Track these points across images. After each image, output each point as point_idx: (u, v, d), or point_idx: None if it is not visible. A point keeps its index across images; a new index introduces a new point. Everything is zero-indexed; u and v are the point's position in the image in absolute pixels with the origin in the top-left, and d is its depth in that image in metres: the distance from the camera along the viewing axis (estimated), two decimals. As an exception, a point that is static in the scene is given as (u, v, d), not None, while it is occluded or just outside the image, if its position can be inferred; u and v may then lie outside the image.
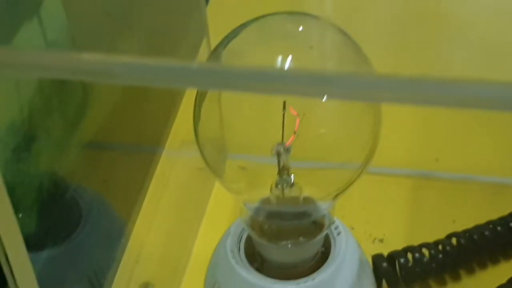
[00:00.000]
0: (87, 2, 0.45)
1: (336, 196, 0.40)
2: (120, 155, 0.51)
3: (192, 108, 0.43)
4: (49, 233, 0.44)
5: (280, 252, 0.42)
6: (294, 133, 0.38)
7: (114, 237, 0.49)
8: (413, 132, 0.59)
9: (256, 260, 0.43)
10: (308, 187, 0.40)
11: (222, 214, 0.54)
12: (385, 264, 0.48)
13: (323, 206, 0.41)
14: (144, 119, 0.52)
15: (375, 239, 0.52)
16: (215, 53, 0.40)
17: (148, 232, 0.51)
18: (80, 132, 0.45)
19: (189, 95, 0.55)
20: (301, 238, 0.42)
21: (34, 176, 0.43)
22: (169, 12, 0.55)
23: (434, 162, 0.56)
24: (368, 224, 0.53)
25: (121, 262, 0.47)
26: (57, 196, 0.45)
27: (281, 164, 0.40)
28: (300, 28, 0.40)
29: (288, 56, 0.38)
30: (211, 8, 0.64)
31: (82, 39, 0.44)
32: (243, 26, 0.39)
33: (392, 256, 0.48)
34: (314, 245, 0.42)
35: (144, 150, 0.54)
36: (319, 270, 0.42)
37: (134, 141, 0.52)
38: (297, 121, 0.38)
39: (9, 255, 0.31)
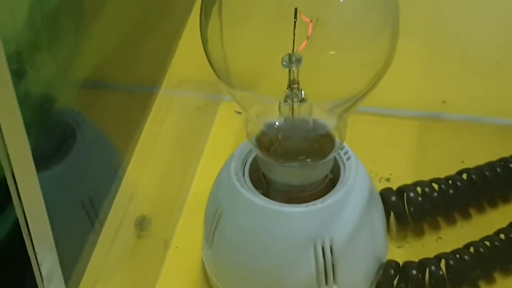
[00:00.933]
0: None
1: (348, 108, 0.38)
2: (117, 93, 0.49)
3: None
4: (40, 154, 0.42)
5: (287, 172, 0.40)
6: (307, 38, 0.36)
7: (110, 168, 0.47)
8: (420, 74, 0.57)
9: (262, 186, 0.41)
10: (317, 99, 0.38)
11: (221, 153, 0.51)
12: (394, 198, 0.46)
13: (333, 121, 0.39)
14: (142, 57, 0.51)
15: (381, 178, 0.50)
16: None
17: (145, 166, 0.49)
18: (76, 68, 0.43)
19: (188, 33, 0.54)
20: (309, 158, 0.40)
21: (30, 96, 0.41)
22: None
23: (441, 104, 0.55)
24: (374, 164, 0.51)
25: (117, 194, 0.45)
26: (51, 119, 0.43)
27: (292, 76, 0.38)
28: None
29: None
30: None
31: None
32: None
33: (401, 191, 0.46)
34: (323, 166, 0.40)
35: (142, 88, 0.52)
36: (328, 194, 0.40)
37: (131, 79, 0.50)
38: (310, 26, 0.36)
39: (16, 172, 0.29)
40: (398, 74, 0.55)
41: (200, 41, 0.39)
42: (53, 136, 0.43)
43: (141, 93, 0.51)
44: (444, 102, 0.55)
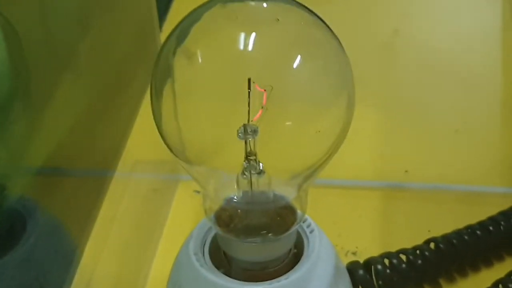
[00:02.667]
0: None
1: (308, 178, 0.37)
2: (71, 178, 0.47)
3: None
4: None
5: (249, 249, 0.38)
6: (262, 107, 0.35)
7: (64, 256, 0.45)
8: (381, 144, 0.56)
9: (224, 265, 0.39)
10: (276, 170, 0.37)
11: (180, 234, 0.50)
12: (361, 272, 0.44)
13: (293, 192, 0.38)
14: (96, 141, 0.49)
15: (347, 251, 0.49)
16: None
17: (101, 253, 0.47)
18: (27, 155, 0.42)
19: (142, 114, 0.53)
20: (271, 233, 0.38)
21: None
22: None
23: (403, 174, 0.54)
24: (339, 238, 0.49)
25: (72, 284, 0.43)
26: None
27: (249, 148, 0.36)
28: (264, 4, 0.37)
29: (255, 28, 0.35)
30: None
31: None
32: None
33: (369, 263, 0.45)
34: (285, 241, 0.39)
35: (97, 172, 0.50)
36: (292, 270, 0.38)
37: (85, 164, 0.49)
38: (265, 95, 0.35)
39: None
40: (359, 145, 0.55)
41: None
42: (1, 225, 0.41)
43: (96, 177, 0.50)
44: (406, 171, 0.54)
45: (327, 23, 0.37)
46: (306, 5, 0.37)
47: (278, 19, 0.36)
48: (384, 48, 0.63)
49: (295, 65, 0.36)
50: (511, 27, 0.62)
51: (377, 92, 0.59)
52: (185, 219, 0.52)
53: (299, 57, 0.36)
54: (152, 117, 0.39)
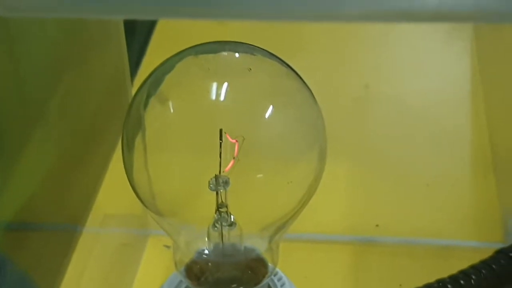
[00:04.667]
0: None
1: (278, 230, 0.37)
2: (40, 232, 0.47)
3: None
4: None
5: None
6: (234, 158, 0.35)
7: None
8: (352, 198, 0.56)
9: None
10: (247, 222, 0.37)
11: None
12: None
13: (264, 244, 0.37)
14: (66, 195, 0.49)
15: (319, 306, 0.48)
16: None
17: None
18: None
19: (113, 168, 0.52)
20: (242, 286, 0.38)
21: None
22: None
23: (374, 228, 0.54)
24: (310, 293, 0.49)
25: None
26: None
27: (220, 200, 0.36)
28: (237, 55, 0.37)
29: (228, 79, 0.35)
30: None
31: None
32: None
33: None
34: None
35: (66, 227, 0.50)
36: (264, 324, 0.38)
37: (55, 218, 0.48)
38: (236, 146, 0.35)
39: None
40: (330, 199, 0.55)
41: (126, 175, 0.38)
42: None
43: (65, 232, 0.49)
44: (377, 225, 0.54)
45: (300, 75, 0.37)
46: (279, 56, 0.37)
47: (250, 69, 0.36)
48: (355, 102, 0.63)
49: (267, 116, 0.36)
50: (480, 82, 0.63)
51: (348, 146, 0.59)
52: (155, 274, 0.51)
53: (271, 107, 0.36)
54: (122, 170, 0.38)
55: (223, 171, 0.35)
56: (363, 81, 0.65)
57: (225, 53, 0.37)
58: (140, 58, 0.69)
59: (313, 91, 0.37)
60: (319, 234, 0.53)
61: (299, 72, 0.37)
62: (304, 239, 0.53)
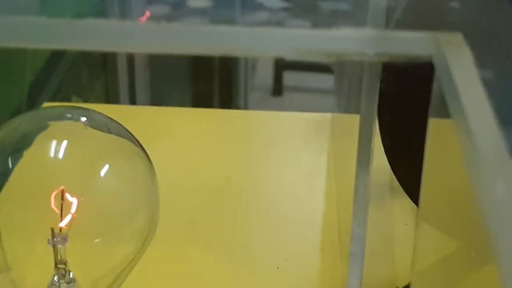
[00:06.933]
0: None
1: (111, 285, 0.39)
2: None
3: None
4: None
5: None
6: (72, 215, 0.37)
7: None
8: (204, 280, 0.58)
9: None
10: (85, 278, 0.39)
11: None
12: None
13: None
14: None
15: None
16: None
17: None
18: None
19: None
20: None
21: None
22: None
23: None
24: None
25: None
26: None
27: (59, 256, 0.38)
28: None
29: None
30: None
31: None
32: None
33: None
34: None
35: None
36: None
37: None
38: (75, 203, 0.37)
39: None
40: (183, 284, 0.56)
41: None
42: None
43: None
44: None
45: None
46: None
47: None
48: (216, 193, 0.66)
49: (102, 179, 0.39)
50: (333, 178, 0.67)
51: (205, 233, 0.61)
52: None
53: (107, 171, 0.39)
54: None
55: (62, 228, 0.38)
56: (225, 175, 0.68)
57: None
58: None
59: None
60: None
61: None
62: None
